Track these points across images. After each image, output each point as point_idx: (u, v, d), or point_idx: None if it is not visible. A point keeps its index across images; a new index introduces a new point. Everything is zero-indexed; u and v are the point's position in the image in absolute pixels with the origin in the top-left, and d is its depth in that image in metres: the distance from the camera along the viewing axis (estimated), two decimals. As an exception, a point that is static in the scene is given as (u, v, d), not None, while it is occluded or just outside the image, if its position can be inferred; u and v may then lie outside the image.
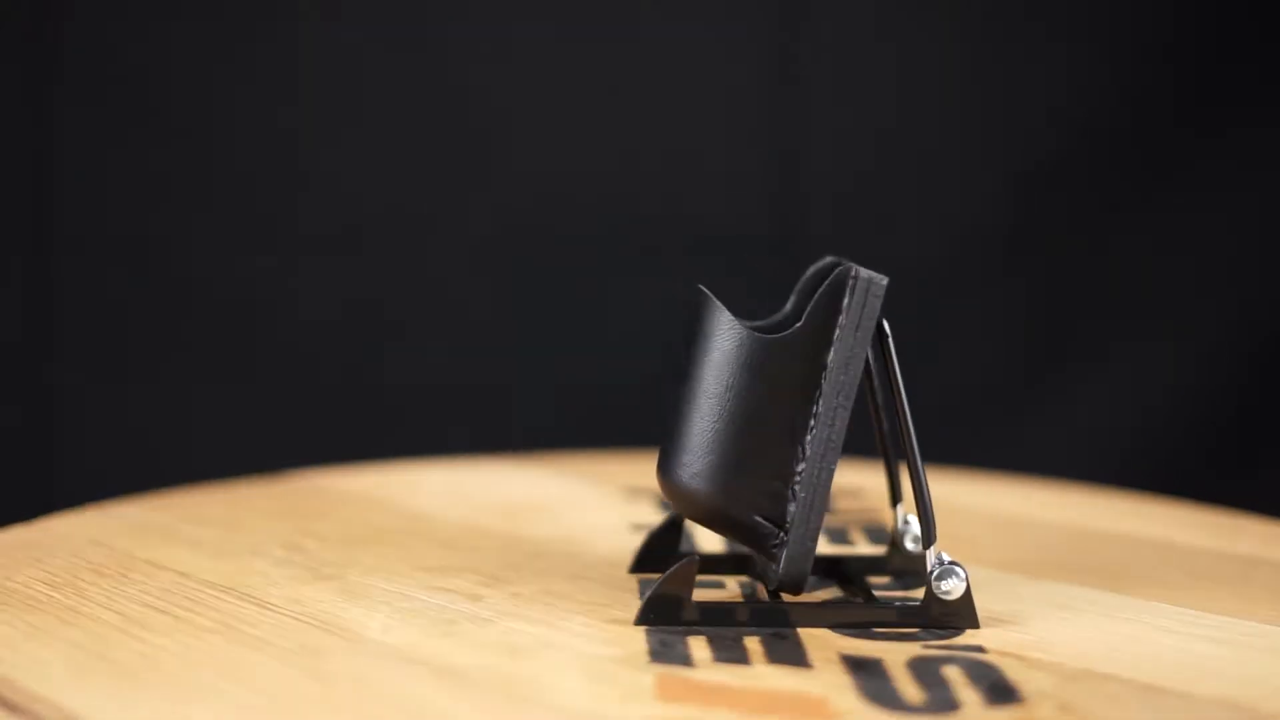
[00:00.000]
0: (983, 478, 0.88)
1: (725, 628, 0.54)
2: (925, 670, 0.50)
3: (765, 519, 0.55)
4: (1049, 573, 0.63)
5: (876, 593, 0.59)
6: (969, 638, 0.53)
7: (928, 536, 0.55)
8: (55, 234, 1.14)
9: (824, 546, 0.68)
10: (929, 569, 0.55)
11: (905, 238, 1.23)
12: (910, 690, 0.48)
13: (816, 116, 1.22)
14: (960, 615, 0.55)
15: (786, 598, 0.56)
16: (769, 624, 0.54)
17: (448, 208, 1.21)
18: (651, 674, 0.49)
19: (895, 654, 0.51)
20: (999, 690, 0.48)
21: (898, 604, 0.56)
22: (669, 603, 0.55)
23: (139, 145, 1.16)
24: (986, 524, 0.75)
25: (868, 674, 0.49)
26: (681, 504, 0.56)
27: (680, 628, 0.54)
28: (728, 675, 0.49)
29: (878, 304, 0.54)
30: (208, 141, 1.18)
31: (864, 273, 0.54)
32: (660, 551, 0.62)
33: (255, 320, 1.19)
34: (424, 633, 0.53)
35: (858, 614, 0.55)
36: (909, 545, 0.61)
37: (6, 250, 1.15)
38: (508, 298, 1.23)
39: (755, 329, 0.55)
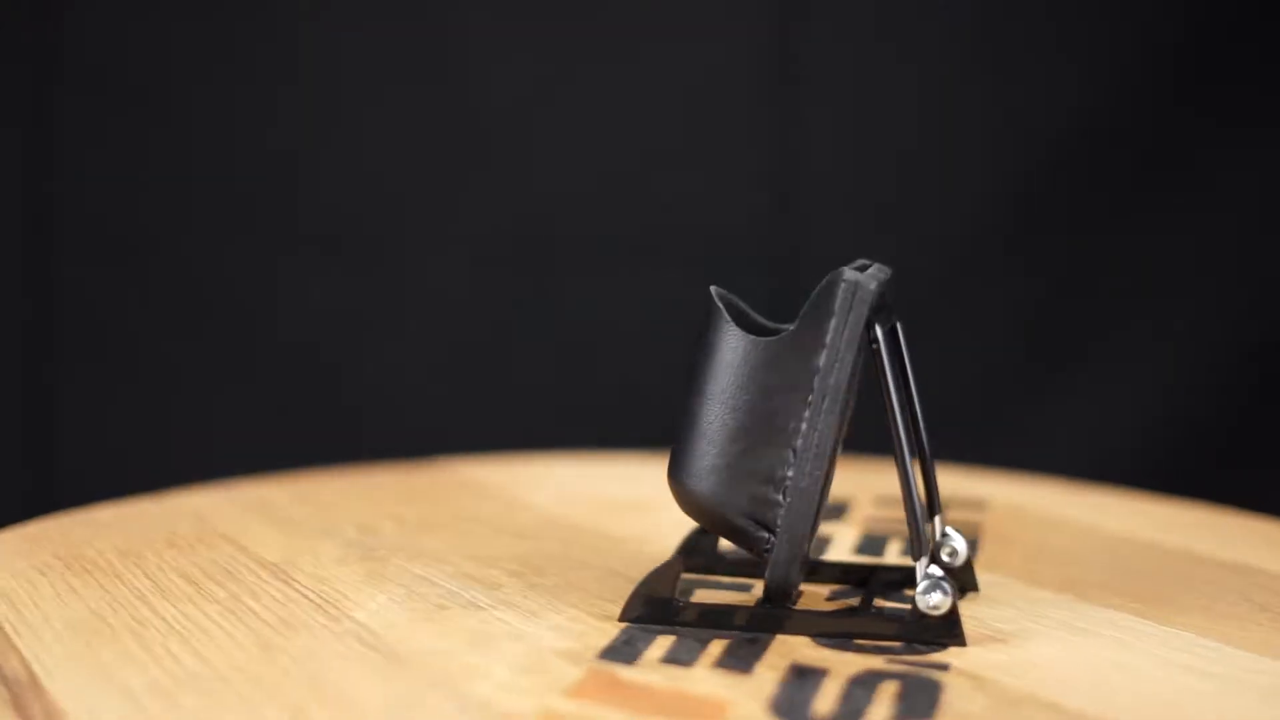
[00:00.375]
0: (1009, 476, 0.85)
1: (703, 629, 0.54)
2: (862, 684, 0.48)
3: (757, 523, 0.54)
4: (1083, 590, 0.59)
5: (881, 603, 0.57)
6: (945, 654, 0.52)
7: (917, 548, 0.53)
8: (55, 234, 1.16)
9: (892, 557, 0.67)
10: (917, 582, 0.53)
11: (905, 238, 1.22)
12: (825, 703, 0.46)
13: (816, 116, 1.21)
14: (945, 631, 0.53)
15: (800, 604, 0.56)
16: (761, 629, 0.54)
17: (448, 209, 1.22)
18: (584, 669, 0.49)
19: (849, 666, 0.50)
20: (916, 709, 0.46)
21: (888, 616, 0.55)
22: (648, 601, 0.55)
23: (140, 145, 1.17)
24: (1023, 528, 0.71)
25: (798, 684, 0.48)
26: (683, 505, 0.56)
27: (660, 626, 0.54)
28: (658, 676, 0.49)
29: (864, 308, 0.53)
30: (209, 142, 1.19)
31: (851, 275, 0.53)
32: (700, 551, 0.63)
33: (256, 320, 1.20)
34: (409, 616, 0.55)
35: (844, 625, 0.54)
36: (944, 558, 0.60)
37: (6, 250, 1.16)
38: (508, 299, 1.23)
39: (771, 333, 0.55)
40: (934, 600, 0.53)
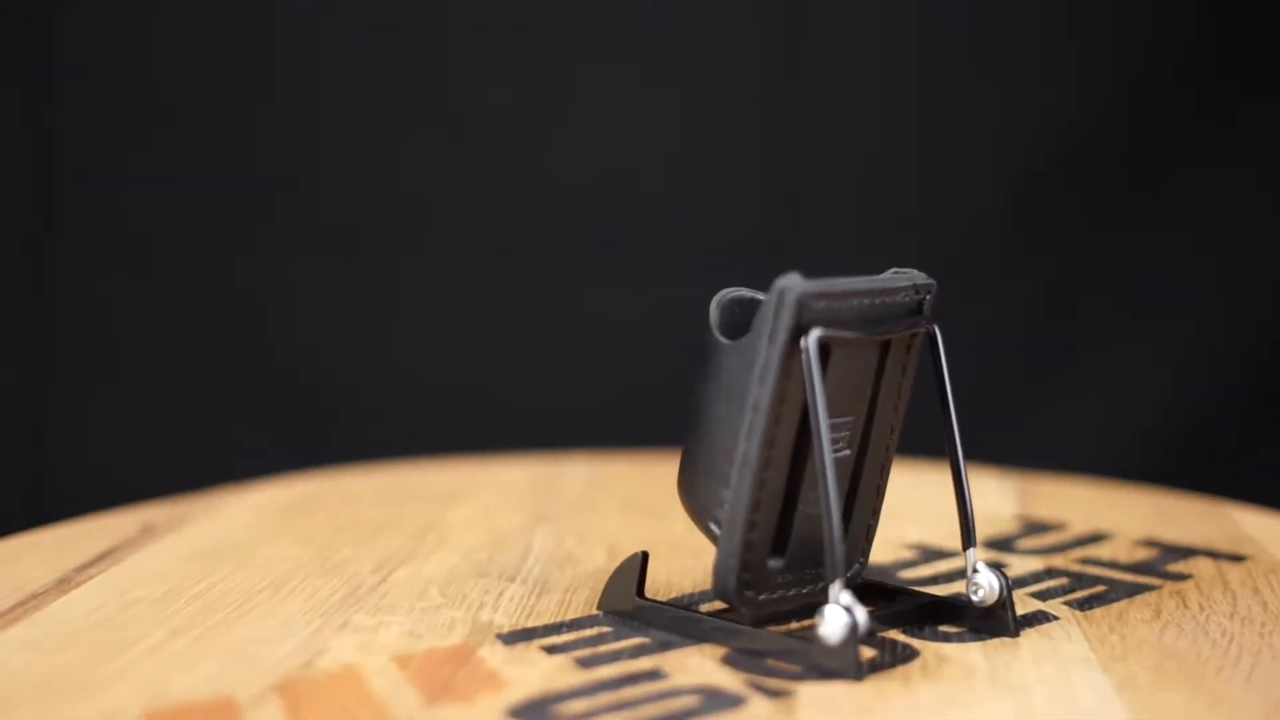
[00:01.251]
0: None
1: (647, 627, 0.54)
2: (671, 694, 0.47)
3: (719, 528, 0.54)
4: (1139, 659, 0.51)
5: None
6: (816, 685, 0.48)
7: (833, 569, 0.50)
8: (55, 234, 1.14)
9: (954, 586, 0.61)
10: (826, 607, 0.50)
11: (906, 238, 1.22)
12: (580, 704, 0.46)
13: (816, 116, 1.19)
14: (840, 662, 0.49)
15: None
16: (688, 634, 0.53)
17: (447, 209, 1.18)
18: (460, 642, 0.52)
19: (701, 678, 0.49)
20: (643, 725, 0.45)
21: (797, 640, 0.52)
22: (615, 594, 0.56)
23: (140, 145, 1.15)
24: (1226, 590, 0.60)
25: (604, 688, 0.48)
26: (684, 508, 0.57)
27: (620, 619, 0.55)
28: (503, 659, 0.50)
29: (789, 315, 0.51)
30: (209, 142, 1.16)
31: (784, 281, 0.51)
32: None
33: (256, 320, 1.17)
34: (435, 576, 0.59)
35: (762, 643, 0.52)
36: (973, 597, 0.55)
37: (7, 250, 1.16)
38: (509, 299, 1.19)
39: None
40: (828, 629, 0.49)
